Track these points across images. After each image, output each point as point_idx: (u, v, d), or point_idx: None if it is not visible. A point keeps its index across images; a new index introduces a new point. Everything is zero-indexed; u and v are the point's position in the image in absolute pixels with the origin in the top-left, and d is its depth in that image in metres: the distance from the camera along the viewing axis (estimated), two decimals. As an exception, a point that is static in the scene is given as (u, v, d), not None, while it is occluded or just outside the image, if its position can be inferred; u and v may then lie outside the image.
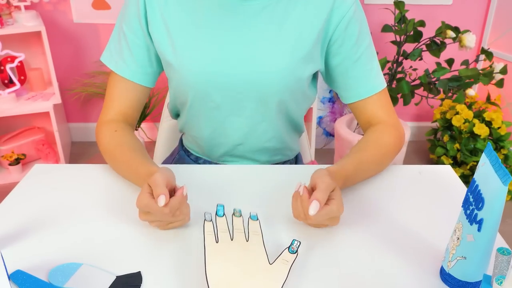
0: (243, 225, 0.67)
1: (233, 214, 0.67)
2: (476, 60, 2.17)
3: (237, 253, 0.62)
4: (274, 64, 0.86)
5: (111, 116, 0.93)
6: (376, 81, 0.93)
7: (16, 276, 0.62)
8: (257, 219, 0.67)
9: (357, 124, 2.40)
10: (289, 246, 0.63)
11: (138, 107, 0.96)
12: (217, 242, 0.63)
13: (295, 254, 0.62)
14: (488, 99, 2.33)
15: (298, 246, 0.63)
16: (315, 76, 0.98)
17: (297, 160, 1.14)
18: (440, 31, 2.04)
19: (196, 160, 1.06)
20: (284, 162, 1.08)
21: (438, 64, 2.08)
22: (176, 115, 1.07)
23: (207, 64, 0.86)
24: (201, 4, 0.86)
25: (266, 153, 1.01)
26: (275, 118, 0.93)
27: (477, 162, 2.20)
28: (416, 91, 2.15)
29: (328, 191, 0.68)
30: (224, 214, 0.67)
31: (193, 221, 0.74)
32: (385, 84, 0.94)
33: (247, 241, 0.64)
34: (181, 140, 1.12)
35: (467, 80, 2.04)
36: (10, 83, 2.25)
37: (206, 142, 0.99)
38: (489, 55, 2.04)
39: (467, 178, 2.28)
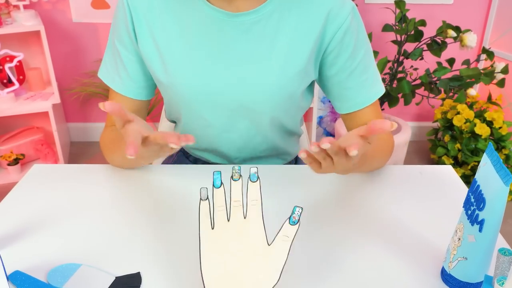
0: (242, 192, 0.61)
1: (231, 176, 0.61)
2: (477, 60, 2.16)
3: (233, 238, 0.59)
4: (265, 82, 0.83)
5: (113, 123, 0.94)
6: (371, 91, 0.89)
7: (15, 277, 0.62)
8: (257, 178, 0.61)
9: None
10: (290, 216, 0.58)
11: (143, 111, 0.96)
12: (212, 227, 0.59)
13: (297, 225, 0.57)
14: (489, 99, 2.32)
15: (300, 213, 0.57)
16: (311, 84, 0.95)
17: (297, 160, 1.13)
18: (441, 31, 2.03)
19: (195, 162, 1.06)
20: (284, 164, 1.07)
21: (439, 63, 2.08)
22: (174, 122, 1.07)
23: (197, 84, 0.84)
24: (192, 21, 0.83)
25: (262, 159, 1.01)
26: (268, 131, 0.92)
27: (478, 162, 2.20)
28: (417, 90, 2.15)
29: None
30: (221, 183, 0.60)
31: (193, 221, 0.74)
32: (380, 92, 0.90)
33: (245, 218, 0.60)
34: None
35: (468, 80, 2.03)
36: (9, 82, 2.24)
37: (203, 153, 1.00)
38: (490, 54, 2.03)
39: (468, 179, 2.28)
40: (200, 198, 0.59)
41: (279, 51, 0.83)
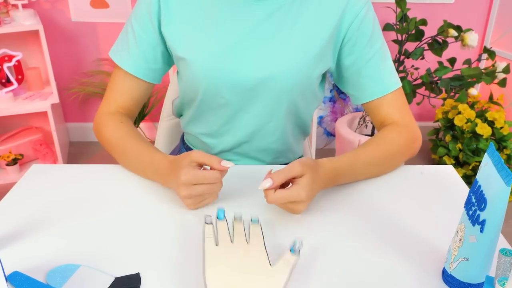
0: (244, 229, 0.65)
1: (234, 219, 0.66)
2: (479, 59, 2.16)
3: (237, 256, 0.60)
4: (285, 63, 0.86)
5: (113, 109, 0.94)
6: (390, 80, 0.92)
7: (14, 278, 0.62)
8: (258, 222, 0.66)
9: (358, 123, 2.39)
10: (291, 247, 0.61)
11: (139, 103, 0.97)
12: (217, 245, 0.62)
13: (298, 255, 0.60)
14: (491, 98, 2.32)
15: (300, 247, 0.61)
16: (323, 76, 0.97)
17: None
18: (442, 30, 2.03)
19: None
20: (285, 163, 1.06)
21: (440, 63, 2.07)
22: (179, 114, 1.07)
23: (218, 61, 0.87)
24: (216, 3, 0.87)
25: (269, 154, 1.01)
26: (283, 118, 0.94)
27: (480, 162, 2.19)
28: (417, 90, 2.15)
29: (287, 174, 0.70)
30: (224, 217, 0.65)
31: (192, 222, 0.74)
32: (399, 84, 0.93)
33: (248, 243, 0.63)
34: (182, 139, 1.12)
35: (469, 80, 2.03)
36: (8, 82, 2.24)
37: (211, 139, 0.99)
38: (491, 54, 2.03)
39: (469, 179, 2.27)
40: (205, 222, 0.63)
41: (298, 34, 0.86)
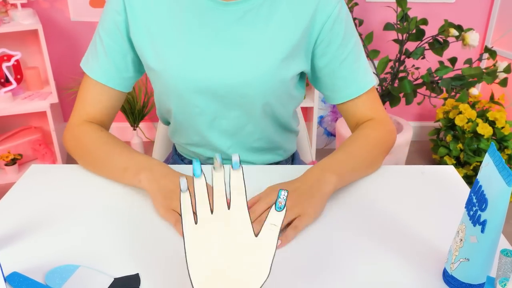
0: (224, 182, 0.57)
1: (213, 167, 0.56)
2: (480, 59, 2.15)
3: (218, 232, 0.55)
4: (256, 68, 0.84)
5: (85, 120, 0.90)
6: (365, 80, 0.91)
7: (12, 278, 0.61)
8: (239, 166, 0.56)
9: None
10: (275, 201, 0.54)
11: (111, 113, 0.94)
12: (196, 222, 0.55)
13: (283, 211, 0.54)
14: (492, 98, 2.31)
15: (286, 198, 0.54)
16: (302, 76, 0.96)
17: (293, 160, 1.11)
18: (443, 29, 2.02)
19: (191, 163, 1.05)
20: (279, 162, 1.06)
21: (441, 62, 2.07)
22: (167, 122, 1.06)
23: (188, 70, 0.84)
24: (183, 8, 0.84)
25: (255, 153, 1.00)
26: (260, 119, 0.92)
27: (481, 162, 2.18)
28: (418, 90, 2.14)
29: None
30: (201, 172, 0.56)
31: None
32: (373, 82, 0.92)
33: (229, 208, 0.56)
34: (174, 146, 1.11)
35: (470, 79, 2.03)
36: (7, 82, 2.23)
37: (196, 148, 0.99)
38: (492, 53, 2.02)
39: (470, 179, 2.27)
40: (180, 190, 0.55)
41: (268, 37, 0.84)
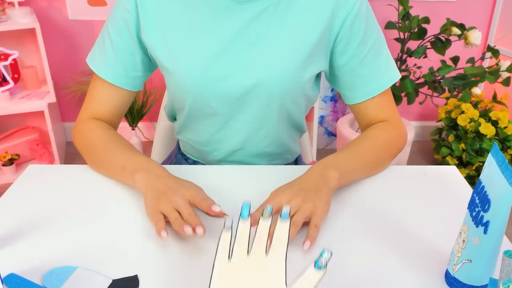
0: (269, 231, 0.56)
1: (262, 214, 0.56)
2: (482, 58, 2.16)
3: (249, 273, 0.53)
4: (273, 68, 0.82)
5: (93, 117, 0.90)
6: (386, 77, 0.88)
7: (10, 280, 0.61)
8: (288, 217, 0.55)
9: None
10: (316, 259, 0.51)
11: (120, 112, 0.93)
12: (229, 258, 0.54)
13: (323, 271, 0.51)
14: (494, 97, 2.30)
15: (328, 259, 0.51)
16: (318, 75, 0.93)
17: (297, 162, 1.10)
18: (445, 28, 2.02)
19: (194, 164, 1.03)
20: (283, 164, 1.04)
21: (443, 62, 2.06)
22: (173, 118, 1.04)
23: (204, 70, 0.82)
24: (198, 7, 0.82)
25: (265, 158, 0.98)
26: (275, 123, 0.90)
27: (483, 162, 2.17)
28: (420, 89, 2.13)
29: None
30: (249, 215, 0.56)
31: None
32: (396, 75, 0.89)
33: (267, 254, 0.54)
34: (178, 144, 1.09)
35: (472, 79, 2.02)
36: (4, 81, 2.21)
37: (204, 147, 0.96)
38: (495, 52, 2.03)
39: (472, 179, 2.26)
40: (224, 228, 0.55)
41: (286, 37, 0.82)
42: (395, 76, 0.89)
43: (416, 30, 2.07)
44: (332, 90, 2.57)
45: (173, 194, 0.70)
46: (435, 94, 2.09)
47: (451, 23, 2.01)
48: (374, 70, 0.87)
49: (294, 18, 0.81)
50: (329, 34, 0.84)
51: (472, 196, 0.58)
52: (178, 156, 1.07)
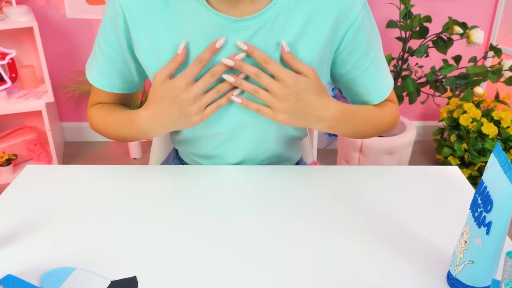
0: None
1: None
2: (485, 57, 2.14)
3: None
4: None
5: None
6: (386, 86, 0.89)
7: (7, 281, 0.61)
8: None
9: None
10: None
11: (128, 102, 0.97)
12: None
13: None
14: (497, 97, 2.30)
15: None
16: None
17: (297, 162, 1.08)
18: (447, 27, 2.01)
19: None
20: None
21: (445, 61, 2.05)
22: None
23: None
24: (193, 27, 0.77)
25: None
26: (274, 139, 0.89)
27: (486, 162, 2.17)
28: (422, 89, 2.12)
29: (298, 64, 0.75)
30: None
31: (190, 223, 0.74)
32: (392, 83, 0.91)
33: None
34: (176, 150, 1.07)
35: (475, 78, 2.01)
36: (1, 80, 2.21)
37: (203, 160, 0.96)
38: (497, 51, 2.01)
39: (475, 180, 2.25)
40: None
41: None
42: (392, 83, 0.91)
43: (417, 29, 2.06)
44: (333, 89, 2.56)
45: (182, 93, 0.75)
46: (437, 93, 2.08)
47: (453, 22, 1.99)
48: (376, 81, 0.87)
49: (292, 32, 0.77)
50: (330, 46, 0.81)
51: (474, 197, 0.58)
52: (175, 161, 1.06)
